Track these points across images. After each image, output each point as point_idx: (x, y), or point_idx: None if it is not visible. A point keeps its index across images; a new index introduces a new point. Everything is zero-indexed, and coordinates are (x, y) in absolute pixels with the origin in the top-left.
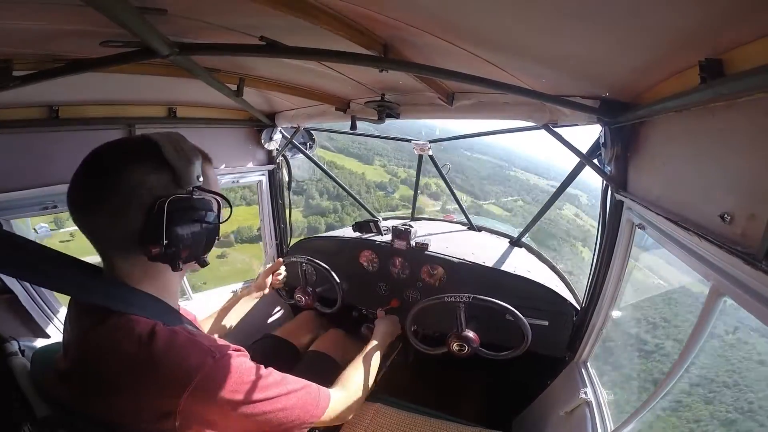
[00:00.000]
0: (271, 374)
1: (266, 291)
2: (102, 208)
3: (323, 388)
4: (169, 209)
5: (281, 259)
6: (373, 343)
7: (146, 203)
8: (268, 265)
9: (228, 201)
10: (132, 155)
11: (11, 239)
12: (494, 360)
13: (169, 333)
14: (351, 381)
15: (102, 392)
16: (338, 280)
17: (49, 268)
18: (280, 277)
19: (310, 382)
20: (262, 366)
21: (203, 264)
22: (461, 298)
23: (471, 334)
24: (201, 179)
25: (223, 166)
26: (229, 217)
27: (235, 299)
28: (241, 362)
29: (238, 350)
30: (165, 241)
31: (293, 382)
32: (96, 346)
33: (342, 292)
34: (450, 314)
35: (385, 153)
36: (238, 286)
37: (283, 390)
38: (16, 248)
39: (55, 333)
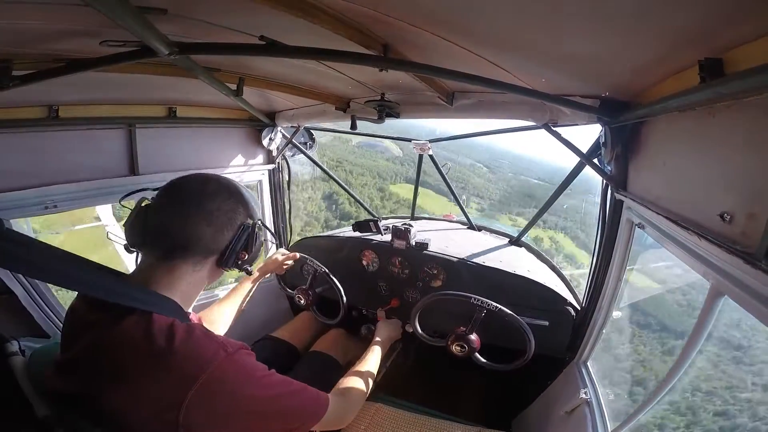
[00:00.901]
0: (275, 375)
1: (264, 275)
2: (198, 219)
3: (322, 393)
4: (242, 231)
5: (297, 255)
6: (374, 348)
7: (233, 224)
8: (275, 256)
9: (273, 234)
10: (232, 189)
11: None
12: (495, 361)
13: (186, 327)
14: (350, 386)
15: (111, 382)
16: (342, 292)
17: (78, 272)
18: (285, 266)
19: (310, 387)
20: (266, 366)
21: (248, 272)
22: (487, 305)
23: (473, 337)
24: (259, 216)
25: (223, 166)
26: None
27: (242, 286)
28: (250, 360)
29: (246, 348)
30: (237, 251)
31: (295, 385)
32: (111, 340)
33: (345, 307)
34: (452, 313)
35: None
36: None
37: (286, 391)
38: (26, 246)
39: (55, 333)
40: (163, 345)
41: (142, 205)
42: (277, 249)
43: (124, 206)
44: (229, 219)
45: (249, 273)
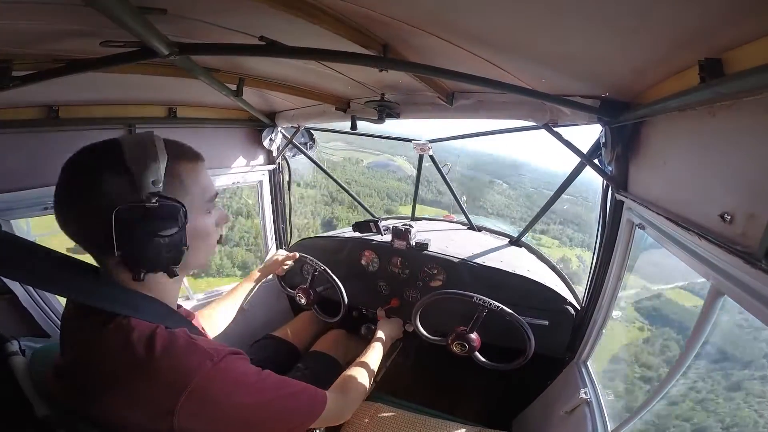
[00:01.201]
0: (269, 377)
1: (266, 278)
2: (72, 216)
3: (320, 390)
4: (117, 218)
5: (297, 254)
6: (375, 345)
7: (102, 210)
8: (275, 257)
9: (184, 207)
10: (96, 160)
11: (13, 241)
12: (495, 362)
13: (168, 336)
14: (349, 383)
15: (100, 394)
16: (345, 296)
17: (51, 270)
18: (285, 267)
19: (307, 384)
20: (260, 368)
21: (172, 275)
22: (489, 304)
23: (474, 336)
24: (159, 185)
25: (224, 166)
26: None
27: (243, 285)
28: (239, 365)
29: (237, 353)
30: (118, 252)
31: (291, 384)
32: (95, 348)
33: (346, 306)
34: (456, 312)
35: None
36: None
37: (281, 393)
38: (18, 250)
39: (55, 333)
40: (143, 355)
41: None
42: (277, 249)
43: None
44: (95, 202)
45: (171, 275)
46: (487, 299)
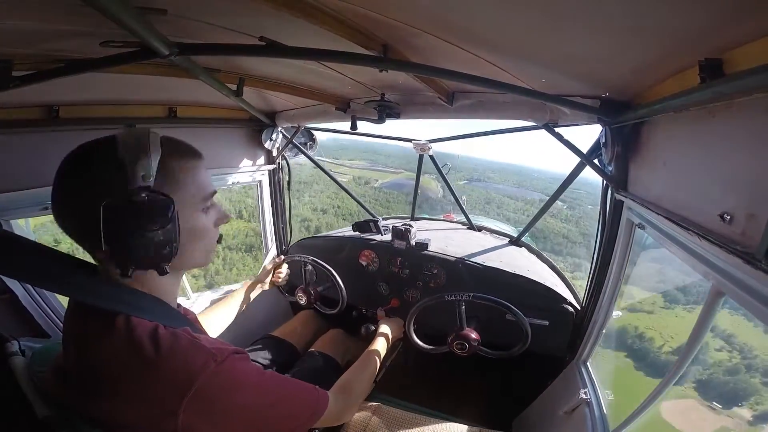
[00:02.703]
0: (271, 377)
1: (266, 287)
2: (68, 210)
3: (322, 391)
4: (107, 212)
5: (282, 257)
6: (376, 345)
7: (96, 205)
8: (265, 269)
9: (173, 201)
10: (92, 154)
11: (13, 240)
12: (494, 360)
13: (171, 336)
14: (351, 383)
15: (102, 394)
16: (341, 282)
17: (51, 269)
18: (282, 275)
19: (309, 385)
20: (262, 369)
21: (162, 272)
22: (461, 296)
23: (472, 333)
24: (151, 180)
25: (223, 166)
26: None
27: (237, 293)
28: (243, 365)
29: (240, 353)
30: (106, 247)
31: (293, 385)
32: (98, 347)
33: (345, 294)
34: (451, 313)
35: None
36: (236, 286)
37: (284, 393)
38: (18, 249)
39: (55, 333)
40: (147, 355)
41: None
42: (277, 249)
43: None
44: (86, 197)
45: (161, 273)
46: (457, 293)
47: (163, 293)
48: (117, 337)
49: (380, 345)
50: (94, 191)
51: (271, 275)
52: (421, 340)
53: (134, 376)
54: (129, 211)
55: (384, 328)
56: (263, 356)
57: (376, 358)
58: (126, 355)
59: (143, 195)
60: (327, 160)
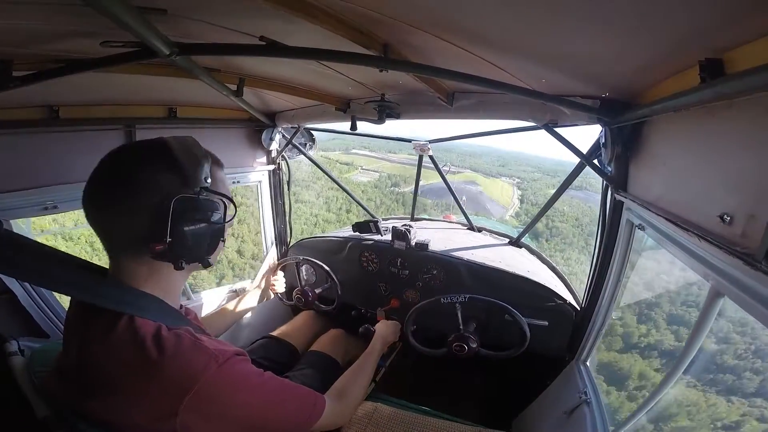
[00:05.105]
0: (271, 380)
1: (266, 299)
2: (117, 207)
3: (320, 395)
4: (175, 207)
5: (276, 263)
6: (371, 351)
7: (155, 202)
8: (266, 267)
9: (233, 203)
10: (145, 156)
11: (14, 240)
12: (494, 360)
13: (174, 337)
14: (347, 388)
15: (103, 393)
16: (335, 277)
17: (54, 269)
18: (278, 284)
19: (308, 389)
20: (261, 371)
21: (206, 265)
22: (457, 299)
23: (470, 335)
24: (209, 181)
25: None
26: (234, 217)
27: (238, 299)
28: (243, 367)
29: (241, 354)
30: (169, 239)
31: (291, 388)
32: (101, 348)
33: (339, 289)
34: (450, 315)
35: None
36: (236, 286)
37: (282, 396)
38: (19, 249)
39: (54, 333)
40: (149, 356)
41: None
42: (277, 248)
43: None
44: (144, 194)
45: (205, 266)
46: (455, 295)
47: (168, 294)
48: (120, 337)
49: (375, 350)
50: (156, 192)
51: (269, 285)
52: (420, 343)
53: (137, 376)
54: (196, 206)
55: (380, 334)
56: (264, 356)
57: (371, 363)
58: (129, 354)
59: (205, 194)
60: (367, 153)
